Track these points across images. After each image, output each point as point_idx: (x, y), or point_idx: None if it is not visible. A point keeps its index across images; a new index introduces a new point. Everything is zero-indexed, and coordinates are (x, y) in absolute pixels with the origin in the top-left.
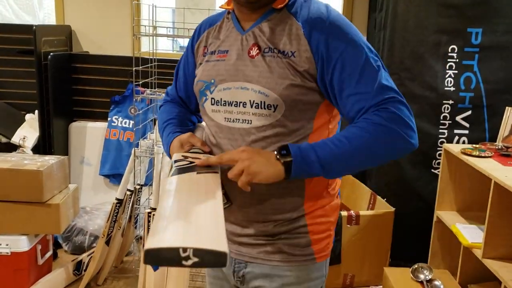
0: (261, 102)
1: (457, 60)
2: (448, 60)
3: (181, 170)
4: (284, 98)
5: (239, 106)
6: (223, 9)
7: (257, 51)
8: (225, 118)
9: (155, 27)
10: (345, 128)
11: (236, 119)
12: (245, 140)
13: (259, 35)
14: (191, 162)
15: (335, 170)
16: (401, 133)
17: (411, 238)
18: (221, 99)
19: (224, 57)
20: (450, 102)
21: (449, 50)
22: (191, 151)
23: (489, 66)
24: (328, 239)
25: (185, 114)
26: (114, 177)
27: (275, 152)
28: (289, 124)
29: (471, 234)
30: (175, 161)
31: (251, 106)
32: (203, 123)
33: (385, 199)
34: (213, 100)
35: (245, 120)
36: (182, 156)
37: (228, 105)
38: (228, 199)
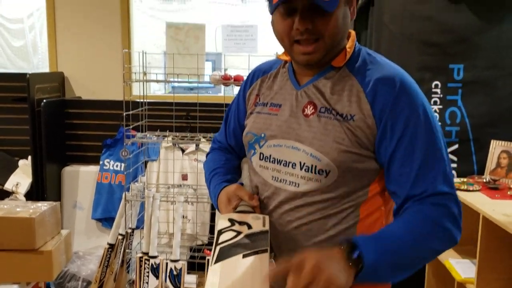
0: (312, 165)
1: (441, 95)
2: (433, 95)
3: (225, 253)
4: (338, 164)
5: (288, 167)
6: (274, 59)
7: (313, 110)
8: (273, 176)
9: (145, 73)
10: (405, 220)
11: (283, 179)
12: (291, 204)
13: (315, 93)
14: (238, 233)
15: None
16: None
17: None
18: (270, 155)
19: (276, 111)
20: None
21: (433, 86)
22: (238, 208)
23: (472, 100)
24: None
25: (232, 161)
26: (107, 220)
27: (345, 255)
28: (340, 191)
29: (464, 269)
30: (220, 232)
31: (301, 169)
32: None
33: None
34: (261, 155)
35: (293, 182)
36: (229, 220)
37: (277, 163)
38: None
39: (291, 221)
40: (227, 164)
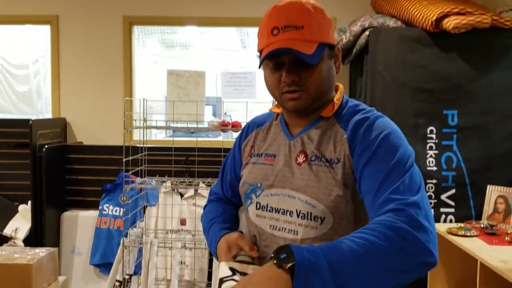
0: (307, 212)
1: (437, 140)
2: (428, 141)
3: None
4: (331, 210)
5: (286, 215)
6: (269, 112)
7: (304, 158)
8: (270, 225)
9: (145, 120)
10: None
11: (282, 227)
12: None
13: (307, 143)
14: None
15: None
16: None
17: None
18: (267, 204)
19: (271, 161)
20: (434, 181)
21: (428, 132)
22: (238, 257)
23: (468, 145)
24: None
25: (230, 210)
26: (105, 266)
27: (274, 260)
28: (337, 238)
29: None
30: (222, 281)
31: (298, 216)
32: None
33: None
34: (258, 204)
35: (292, 230)
36: (230, 269)
37: (275, 212)
38: None
39: None
40: (225, 214)
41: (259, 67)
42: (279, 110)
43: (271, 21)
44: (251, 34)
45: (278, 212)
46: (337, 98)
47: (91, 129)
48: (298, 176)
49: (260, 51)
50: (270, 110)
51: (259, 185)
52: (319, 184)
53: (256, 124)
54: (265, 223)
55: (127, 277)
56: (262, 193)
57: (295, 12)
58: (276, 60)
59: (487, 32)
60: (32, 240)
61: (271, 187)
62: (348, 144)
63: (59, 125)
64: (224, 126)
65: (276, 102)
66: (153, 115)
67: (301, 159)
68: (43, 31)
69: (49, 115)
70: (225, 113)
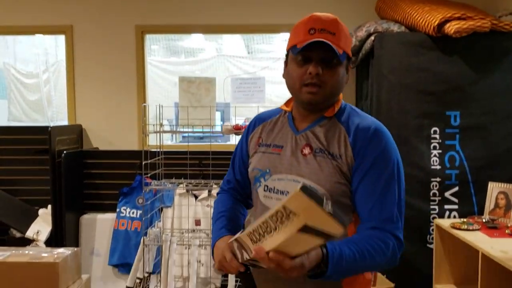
0: None
1: (440, 140)
2: (432, 141)
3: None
4: (331, 193)
5: None
6: (277, 108)
7: (309, 150)
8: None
9: (161, 125)
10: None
11: None
12: None
13: (312, 137)
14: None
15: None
16: (393, 263)
17: None
18: (274, 187)
19: (279, 151)
20: (438, 179)
21: (432, 132)
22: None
23: (470, 145)
24: None
25: (237, 207)
26: (123, 266)
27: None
28: None
29: None
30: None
31: None
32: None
33: (385, 275)
34: (266, 187)
35: None
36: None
37: (281, 194)
38: None
39: None
40: (231, 211)
41: (295, 53)
42: (288, 108)
43: (309, 23)
44: (256, 40)
45: (283, 194)
46: (338, 102)
47: (106, 135)
48: (304, 165)
49: (292, 47)
50: (280, 107)
51: (267, 170)
52: (322, 172)
53: (261, 119)
54: (271, 203)
55: (146, 275)
56: (270, 178)
57: (330, 21)
58: (306, 55)
59: (487, 36)
60: (52, 242)
61: (278, 173)
62: (351, 147)
63: (76, 132)
64: (237, 130)
65: (287, 100)
66: (164, 121)
67: (306, 151)
68: (53, 41)
69: (59, 123)
70: (236, 120)
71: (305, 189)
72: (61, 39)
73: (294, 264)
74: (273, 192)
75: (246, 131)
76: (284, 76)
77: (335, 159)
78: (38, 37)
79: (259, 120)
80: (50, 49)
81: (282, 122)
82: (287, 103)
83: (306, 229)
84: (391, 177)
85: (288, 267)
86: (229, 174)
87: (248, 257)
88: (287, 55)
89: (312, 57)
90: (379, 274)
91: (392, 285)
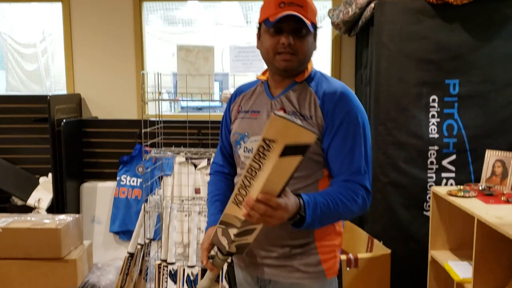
0: None
1: (439, 109)
2: (430, 109)
3: None
4: None
5: None
6: (256, 80)
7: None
8: None
9: (160, 93)
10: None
11: None
12: None
13: (286, 101)
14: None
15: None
16: (363, 210)
17: (409, 278)
18: (252, 148)
19: (256, 116)
20: (436, 148)
21: (430, 101)
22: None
23: (468, 113)
24: (334, 259)
25: (229, 189)
26: (124, 233)
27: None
28: (304, 172)
29: (462, 270)
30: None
31: None
32: None
33: (381, 242)
34: (245, 148)
35: None
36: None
37: None
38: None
39: None
40: (225, 193)
41: (268, 27)
42: (264, 77)
43: None
44: (255, 9)
45: None
46: (308, 68)
47: (105, 104)
48: None
49: (264, 20)
50: (257, 78)
51: (246, 133)
52: None
53: (241, 91)
54: None
55: (147, 241)
56: (249, 140)
57: None
58: (277, 27)
59: (488, 3)
60: (54, 209)
61: (256, 135)
62: (320, 109)
63: (75, 101)
64: None
65: (263, 71)
66: (162, 90)
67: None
68: (50, 9)
69: (58, 93)
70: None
71: (276, 114)
72: (57, 7)
73: (280, 202)
74: (251, 152)
75: (228, 103)
76: (258, 47)
77: (306, 120)
78: (34, 5)
79: (239, 91)
80: (47, 17)
81: (259, 90)
82: (263, 73)
83: (286, 151)
84: (357, 135)
85: (275, 205)
86: (219, 145)
87: (234, 233)
88: (259, 28)
89: (283, 29)
90: (375, 241)
91: (389, 251)
